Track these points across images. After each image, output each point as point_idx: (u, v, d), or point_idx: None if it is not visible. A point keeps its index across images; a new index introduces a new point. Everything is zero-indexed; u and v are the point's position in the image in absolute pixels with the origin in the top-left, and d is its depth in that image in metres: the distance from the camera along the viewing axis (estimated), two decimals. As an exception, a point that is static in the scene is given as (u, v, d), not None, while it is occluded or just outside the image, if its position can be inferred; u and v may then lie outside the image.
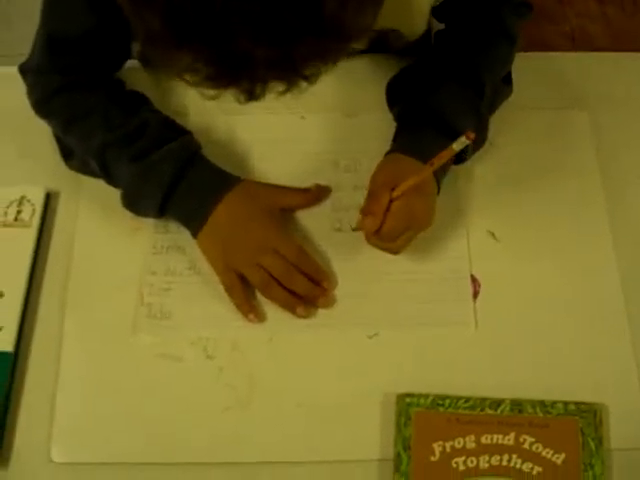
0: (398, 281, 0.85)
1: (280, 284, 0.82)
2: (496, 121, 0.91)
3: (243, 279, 0.83)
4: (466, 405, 0.77)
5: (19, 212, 0.89)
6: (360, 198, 0.87)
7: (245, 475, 0.76)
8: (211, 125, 0.95)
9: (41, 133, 0.92)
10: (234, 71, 0.59)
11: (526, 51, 0.96)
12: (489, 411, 0.77)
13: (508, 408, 0.77)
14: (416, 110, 0.87)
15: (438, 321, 0.83)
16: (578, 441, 0.76)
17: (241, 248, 0.83)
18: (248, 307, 0.83)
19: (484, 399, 0.78)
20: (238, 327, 0.83)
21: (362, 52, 1.00)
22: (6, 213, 0.89)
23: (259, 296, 0.84)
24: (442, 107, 0.86)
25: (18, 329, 0.82)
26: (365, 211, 0.81)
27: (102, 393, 0.80)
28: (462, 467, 0.75)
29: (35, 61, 0.89)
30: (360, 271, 0.86)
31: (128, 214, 0.87)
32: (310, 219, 0.89)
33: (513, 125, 0.94)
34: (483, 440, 0.76)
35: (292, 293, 0.83)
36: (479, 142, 0.88)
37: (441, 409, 0.77)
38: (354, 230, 0.86)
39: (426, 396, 0.78)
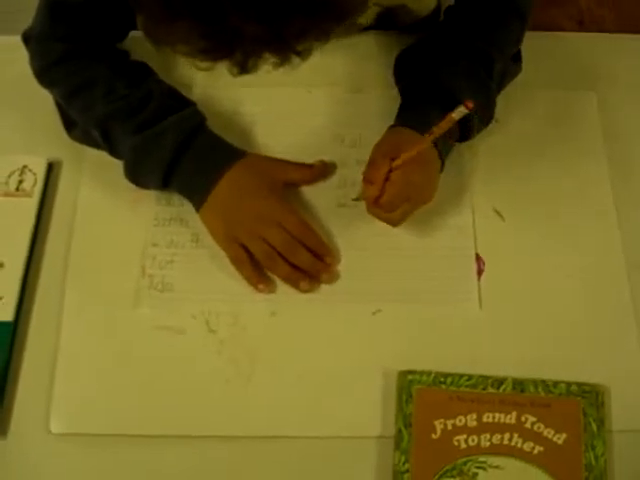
0: (402, 257, 0.84)
1: (283, 258, 0.82)
2: (504, 100, 0.91)
3: (247, 251, 0.83)
4: (468, 383, 0.77)
5: (21, 182, 0.88)
6: (365, 174, 0.87)
7: (245, 449, 0.76)
8: (216, 97, 0.94)
9: (44, 102, 0.90)
10: (226, 45, 0.59)
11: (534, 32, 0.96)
12: (491, 390, 0.77)
13: (510, 387, 0.77)
14: (423, 85, 0.87)
15: (442, 299, 0.83)
16: (580, 422, 0.76)
17: (244, 221, 0.83)
18: (257, 278, 0.82)
19: (486, 377, 0.78)
20: (240, 301, 0.82)
21: (370, 28, 0.99)
22: (7, 182, 0.88)
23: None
24: (450, 83, 0.85)
25: (18, 299, 0.82)
26: (365, 179, 0.80)
27: (102, 365, 0.80)
28: (463, 445, 0.75)
29: (38, 28, 0.88)
30: (364, 247, 0.85)
31: (131, 185, 0.86)
32: (314, 194, 0.88)
33: (521, 104, 0.94)
34: (484, 419, 0.76)
35: (295, 267, 0.82)
36: (486, 119, 0.87)
37: (443, 387, 0.77)
38: (354, 200, 0.86)
39: (428, 373, 0.78)
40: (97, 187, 0.89)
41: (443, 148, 0.84)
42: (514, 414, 0.76)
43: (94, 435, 0.77)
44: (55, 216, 0.88)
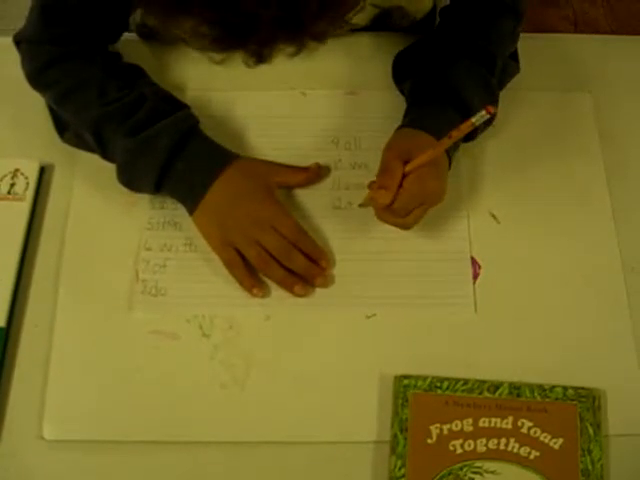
0: (397, 261, 0.84)
1: (278, 262, 0.81)
2: (499, 103, 0.90)
3: (241, 255, 0.82)
4: (464, 388, 0.77)
5: (12, 185, 0.87)
6: (360, 176, 0.87)
7: (240, 454, 0.76)
8: (210, 99, 0.93)
9: (36, 105, 0.90)
10: (241, 33, 0.58)
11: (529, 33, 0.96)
12: (487, 394, 0.77)
13: (506, 392, 0.77)
14: (429, 85, 0.86)
15: (437, 303, 0.82)
16: (576, 426, 0.75)
17: (238, 225, 0.82)
18: (251, 282, 0.82)
19: (482, 382, 0.77)
20: (235, 305, 0.82)
21: (365, 29, 0.99)
22: (-1, 186, 0.87)
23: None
24: (457, 83, 0.85)
25: (10, 304, 0.81)
26: (378, 185, 0.79)
27: (95, 370, 0.79)
28: (459, 450, 0.74)
29: (30, 30, 0.87)
30: (359, 250, 0.85)
31: (124, 189, 0.85)
32: (309, 197, 0.88)
33: (516, 106, 0.93)
34: (481, 423, 0.75)
35: (290, 271, 0.82)
36: (490, 118, 0.87)
37: (439, 391, 0.77)
38: (360, 206, 0.85)
39: (424, 378, 0.77)
40: (90, 191, 0.88)
41: (452, 150, 0.84)
42: (510, 419, 0.75)
43: (88, 441, 0.76)
44: (47, 220, 0.87)
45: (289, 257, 0.82)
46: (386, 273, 0.83)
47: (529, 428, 0.75)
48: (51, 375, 0.79)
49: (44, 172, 0.89)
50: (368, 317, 0.81)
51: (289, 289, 0.82)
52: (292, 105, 0.94)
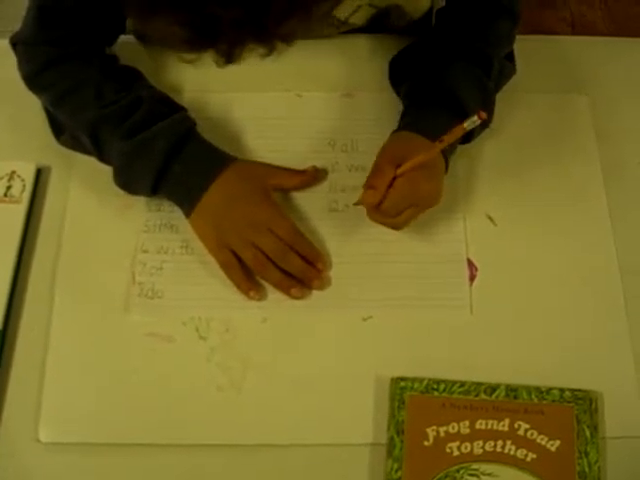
0: (394, 263, 0.84)
1: (274, 264, 0.81)
2: (495, 104, 0.90)
3: (238, 258, 0.82)
4: (461, 390, 0.77)
5: (9, 187, 0.87)
6: (356, 178, 0.87)
7: (236, 457, 0.76)
8: (207, 102, 0.93)
9: (32, 107, 0.90)
10: (208, 34, 0.59)
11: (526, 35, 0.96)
12: (484, 396, 0.77)
13: (503, 394, 0.77)
14: (425, 88, 0.86)
15: (434, 305, 0.82)
16: (573, 428, 0.75)
17: (235, 227, 0.82)
18: (248, 284, 0.82)
19: (479, 384, 0.77)
20: (231, 307, 0.81)
21: (362, 30, 0.99)
22: (-5, 188, 0.87)
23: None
24: (453, 85, 0.85)
25: (7, 306, 0.81)
26: (368, 185, 0.79)
27: (92, 373, 0.79)
28: (456, 452, 0.74)
29: (26, 32, 0.87)
30: (355, 253, 0.85)
31: (120, 191, 0.85)
32: (305, 199, 0.88)
33: (513, 108, 0.93)
34: (477, 425, 0.75)
35: (286, 274, 0.82)
36: (486, 121, 0.87)
37: (435, 393, 0.77)
38: (355, 205, 0.85)
39: (420, 380, 0.77)
40: (86, 193, 0.88)
41: (449, 152, 0.84)
42: (507, 421, 0.75)
43: (84, 444, 0.76)
44: (44, 222, 0.87)
45: (286, 259, 0.82)
46: (383, 275, 0.83)
47: (526, 430, 0.75)
48: (47, 377, 0.78)
49: (41, 174, 0.89)
50: (365, 319, 0.81)
51: (286, 291, 0.82)
52: (288, 107, 0.93)
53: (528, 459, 0.74)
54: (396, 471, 0.73)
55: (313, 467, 0.75)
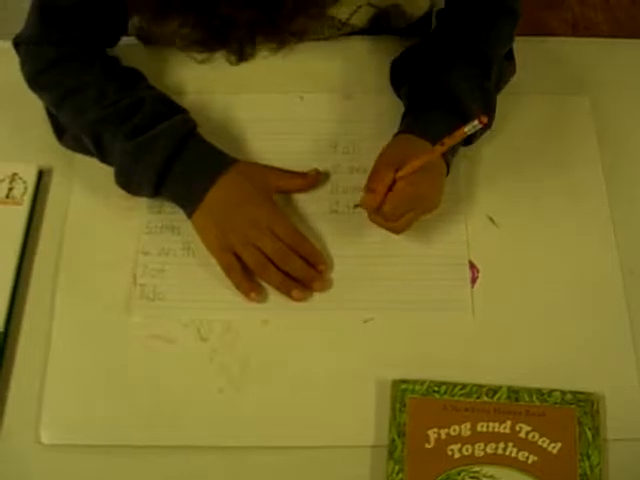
0: (395, 265, 0.84)
1: (276, 266, 0.81)
2: (497, 106, 0.90)
3: (240, 260, 0.82)
4: (462, 392, 0.77)
5: (10, 189, 0.87)
6: (358, 180, 0.86)
7: (237, 459, 0.76)
8: (208, 104, 0.93)
9: (34, 110, 0.90)
10: (220, 34, 0.59)
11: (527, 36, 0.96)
12: (485, 399, 0.77)
13: (505, 396, 0.77)
14: (426, 91, 0.86)
15: (435, 307, 0.82)
16: (575, 431, 0.75)
17: (236, 228, 0.82)
18: (249, 286, 0.82)
19: (481, 386, 0.77)
20: (232, 309, 0.82)
21: (363, 32, 0.99)
22: (-3, 190, 0.87)
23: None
24: (454, 88, 0.85)
25: (8, 308, 0.81)
26: (367, 189, 0.79)
27: (93, 374, 0.79)
28: (457, 455, 0.74)
29: (28, 33, 0.88)
30: (357, 254, 0.85)
31: (122, 192, 0.85)
32: (307, 201, 0.88)
33: (513, 110, 0.93)
34: (479, 428, 0.75)
35: (287, 275, 0.82)
36: (488, 123, 0.87)
37: (437, 396, 0.77)
38: (355, 207, 0.85)
39: (422, 382, 0.77)
40: (88, 195, 0.88)
41: (450, 155, 0.83)
42: (508, 423, 0.75)
43: (85, 446, 0.76)
44: (45, 224, 0.87)
45: (287, 261, 0.82)
46: (384, 277, 0.83)
47: (527, 432, 0.75)
48: (49, 379, 0.78)
49: (42, 176, 0.89)
50: (366, 321, 0.81)
51: (287, 293, 0.82)
52: (290, 109, 0.93)
53: (529, 462, 0.74)
54: (397, 473, 0.73)
55: (314, 469, 0.75)
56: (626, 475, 0.75)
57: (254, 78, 0.95)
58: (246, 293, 0.82)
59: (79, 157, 0.89)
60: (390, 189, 0.78)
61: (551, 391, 0.77)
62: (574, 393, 0.77)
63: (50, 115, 0.89)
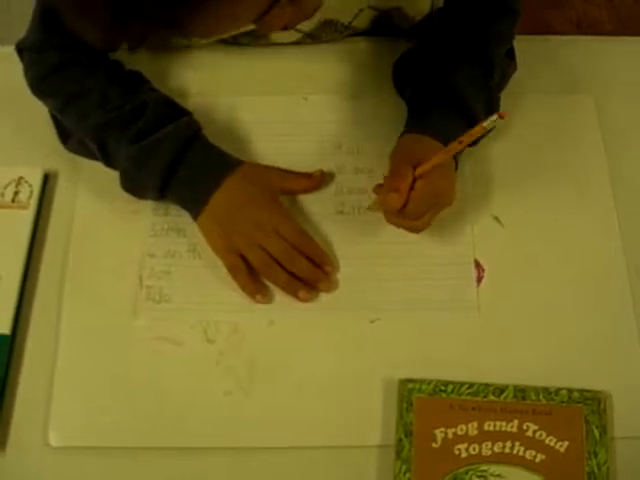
0: (401, 266, 0.84)
1: (282, 267, 0.81)
2: (501, 105, 0.90)
3: (245, 261, 0.82)
4: (469, 391, 0.77)
5: (16, 193, 0.87)
6: (363, 181, 0.87)
7: (245, 460, 0.76)
8: (212, 106, 0.93)
9: (39, 113, 0.90)
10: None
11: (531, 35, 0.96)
12: (492, 398, 0.76)
13: (511, 395, 0.77)
14: (430, 92, 0.86)
15: (441, 306, 0.82)
16: (582, 429, 0.75)
17: (242, 230, 0.82)
18: (254, 288, 0.82)
19: (487, 385, 0.77)
20: (238, 310, 0.82)
21: (365, 33, 0.99)
22: (3, 194, 0.87)
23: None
24: (459, 90, 0.85)
25: (15, 312, 0.81)
26: (390, 189, 0.78)
27: (100, 377, 0.79)
28: (464, 454, 0.74)
29: (31, 38, 0.88)
30: (362, 255, 0.84)
31: (127, 196, 0.86)
32: (312, 202, 0.88)
33: (518, 109, 0.93)
34: (486, 427, 0.75)
35: (294, 276, 0.82)
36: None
37: (443, 395, 0.77)
38: (368, 209, 0.85)
39: (428, 382, 0.77)
40: (93, 198, 0.88)
41: (458, 152, 0.83)
42: (516, 422, 0.75)
43: (93, 448, 0.76)
44: (51, 227, 0.87)
45: (293, 261, 0.82)
46: (390, 278, 0.83)
47: (534, 431, 0.75)
48: (57, 382, 0.79)
49: (48, 180, 0.90)
50: (372, 321, 0.81)
51: (293, 294, 0.82)
52: (294, 110, 0.94)
53: (537, 460, 0.74)
54: (404, 473, 0.73)
55: (321, 469, 0.75)
56: (634, 473, 0.75)
57: (258, 80, 0.95)
58: (252, 295, 0.82)
59: (84, 161, 0.89)
60: (411, 188, 0.78)
61: (558, 389, 0.77)
62: (581, 391, 0.77)
63: (55, 120, 0.89)
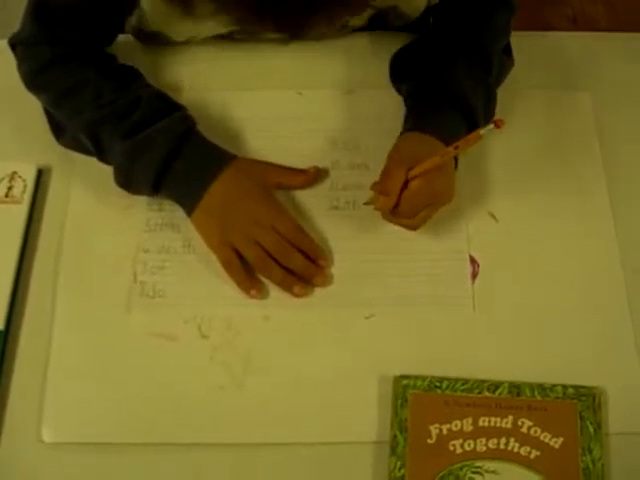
0: (395, 261, 0.84)
1: (277, 262, 0.81)
2: (497, 101, 0.90)
3: (240, 256, 0.82)
4: (464, 387, 0.77)
5: (10, 188, 0.87)
6: (358, 176, 0.87)
7: (239, 456, 0.75)
8: (206, 101, 0.93)
9: (33, 108, 0.89)
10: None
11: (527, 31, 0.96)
12: (487, 394, 0.76)
13: (506, 391, 0.76)
14: (430, 88, 0.86)
15: (436, 302, 0.82)
16: (576, 425, 0.75)
17: (236, 225, 0.82)
18: (249, 283, 0.82)
19: (482, 381, 0.77)
20: (233, 306, 0.81)
21: (361, 29, 0.98)
22: (-3, 189, 0.87)
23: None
24: (457, 85, 0.85)
25: (9, 307, 0.81)
26: (380, 190, 0.79)
27: (94, 372, 0.79)
28: (459, 450, 0.74)
29: (24, 33, 0.87)
30: (357, 251, 0.84)
31: (121, 191, 0.85)
32: (307, 197, 0.87)
33: (514, 105, 0.93)
34: (481, 423, 0.75)
35: (289, 271, 0.81)
36: (489, 116, 0.87)
37: (438, 391, 0.76)
38: (365, 204, 0.85)
39: (423, 378, 0.77)
40: (87, 193, 0.88)
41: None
42: (510, 418, 0.75)
43: (87, 444, 0.76)
44: (45, 222, 0.87)
45: (288, 256, 0.81)
46: (384, 273, 0.83)
47: (529, 427, 0.75)
48: (50, 378, 0.78)
49: (42, 175, 0.89)
50: (367, 317, 0.81)
51: (288, 289, 0.82)
52: (289, 105, 0.93)
53: (532, 456, 0.74)
54: (399, 469, 0.73)
55: (316, 465, 0.75)
56: (628, 469, 0.75)
57: (252, 75, 0.95)
58: (247, 290, 0.82)
59: (78, 156, 0.89)
60: (403, 188, 0.78)
61: (553, 386, 0.77)
62: (576, 387, 0.77)
63: (48, 115, 0.89)
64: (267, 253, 0.81)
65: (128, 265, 0.84)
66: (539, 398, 0.76)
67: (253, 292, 0.81)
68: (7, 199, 0.86)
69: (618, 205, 0.88)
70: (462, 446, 0.74)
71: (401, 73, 0.92)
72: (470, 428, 0.75)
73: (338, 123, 0.92)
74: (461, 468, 0.73)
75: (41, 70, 0.87)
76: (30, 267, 0.84)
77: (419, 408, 0.76)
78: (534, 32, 1.00)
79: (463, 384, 0.77)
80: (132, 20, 0.94)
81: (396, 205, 0.79)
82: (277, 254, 0.81)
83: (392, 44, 0.94)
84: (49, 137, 0.89)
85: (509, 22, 0.91)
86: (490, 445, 0.74)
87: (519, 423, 0.75)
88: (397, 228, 0.82)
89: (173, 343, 0.80)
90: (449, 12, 0.92)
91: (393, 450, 0.74)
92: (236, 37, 0.96)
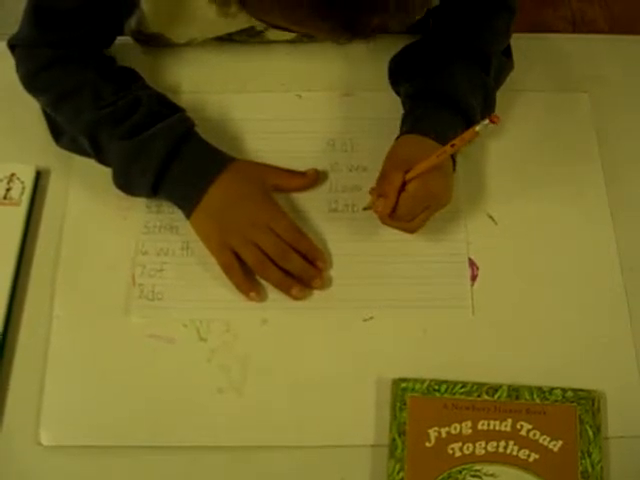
0: (395, 264, 0.84)
1: (275, 264, 0.81)
2: (497, 103, 0.90)
3: (239, 258, 0.82)
4: (462, 390, 0.76)
5: (8, 190, 0.87)
6: (357, 178, 0.87)
7: (237, 459, 0.75)
8: (205, 103, 0.93)
9: (31, 110, 0.89)
10: None
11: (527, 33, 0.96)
12: (486, 397, 0.76)
13: (505, 394, 0.76)
14: (427, 90, 0.86)
15: (435, 305, 0.82)
16: (576, 428, 0.75)
17: (235, 227, 0.82)
18: (248, 285, 0.81)
19: (481, 385, 0.77)
20: (231, 309, 0.81)
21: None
22: (-5, 191, 0.87)
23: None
24: (454, 86, 0.85)
25: (7, 309, 0.81)
26: (377, 193, 0.79)
27: (92, 375, 0.79)
28: (458, 453, 0.74)
29: (23, 34, 0.87)
30: (356, 253, 0.84)
31: (120, 193, 0.85)
32: (306, 199, 0.87)
33: (513, 107, 0.93)
34: (479, 426, 0.75)
35: (287, 274, 0.81)
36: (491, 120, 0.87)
37: (437, 394, 0.76)
38: (364, 209, 0.85)
39: (422, 381, 0.77)
40: (86, 195, 0.88)
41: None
42: (509, 421, 0.75)
43: (85, 447, 0.76)
44: (43, 225, 0.87)
45: (286, 258, 0.81)
46: (383, 275, 0.83)
47: (528, 430, 0.75)
48: (48, 380, 0.78)
49: (40, 177, 0.89)
50: (365, 320, 0.81)
51: (286, 292, 0.82)
52: (288, 107, 0.93)
53: (531, 459, 0.74)
54: (398, 472, 0.73)
55: (314, 469, 0.75)
56: (627, 472, 0.75)
57: (252, 77, 0.95)
58: (245, 293, 0.81)
59: (77, 158, 0.89)
60: (401, 191, 0.78)
61: (552, 389, 0.77)
62: (575, 391, 0.77)
63: (47, 116, 0.89)
64: (266, 255, 0.81)
65: (126, 267, 0.83)
66: (538, 401, 0.76)
67: (252, 295, 0.81)
68: (5, 201, 0.86)
69: (617, 207, 0.88)
70: (461, 449, 0.74)
71: (400, 75, 0.92)
72: (469, 431, 0.75)
73: (337, 125, 0.92)
74: (460, 471, 0.73)
75: (40, 72, 0.87)
76: (28, 269, 0.84)
77: (418, 411, 0.76)
78: (533, 34, 1.00)
79: (462, 387, 0.77)
80: (131, 22, 0.94)
81: (394, 208, 0.79)
82: (275, 256, 0.81)
83: (391, 46, 0.94)
84: (48, 139, 0.89)
85: (509, 24, 0.91)
86: (489, 448, 0.74)
87: (518, 426, 0.75)
88: (395, 230, 0.82)
89: (171, 346, 0.80)
90: (448, 14, 0.91)
91: (392, 453, 0.74)
92: (236, 39, 0.96)
